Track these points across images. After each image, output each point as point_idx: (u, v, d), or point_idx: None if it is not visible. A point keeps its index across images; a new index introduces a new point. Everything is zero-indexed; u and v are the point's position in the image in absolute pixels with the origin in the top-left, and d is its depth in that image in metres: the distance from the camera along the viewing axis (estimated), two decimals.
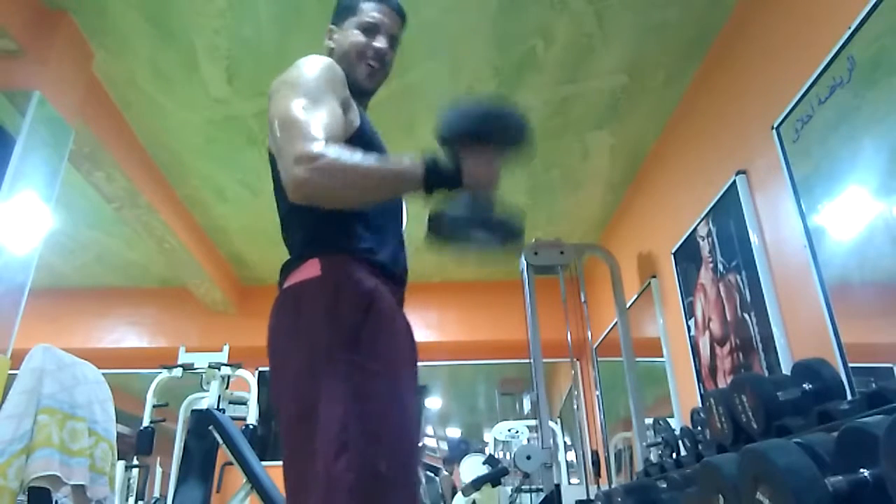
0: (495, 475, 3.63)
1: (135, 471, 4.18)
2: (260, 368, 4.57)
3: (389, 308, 1.09)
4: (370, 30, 1.24)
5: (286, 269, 1.12)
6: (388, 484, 0.93)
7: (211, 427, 2.59)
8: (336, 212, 1.08)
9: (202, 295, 4.83)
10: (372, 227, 1.14)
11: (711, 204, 2.72)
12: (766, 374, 2.27)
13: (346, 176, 0.96)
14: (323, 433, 0.93)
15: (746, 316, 2.45)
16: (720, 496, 1.42)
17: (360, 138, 1.13)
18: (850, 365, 1.81)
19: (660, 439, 2.56)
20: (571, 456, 5.70)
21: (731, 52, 2.64)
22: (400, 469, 0.96)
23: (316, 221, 1.10)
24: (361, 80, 1.23)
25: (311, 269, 1.07)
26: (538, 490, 4.09)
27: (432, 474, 4.60)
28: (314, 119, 1.00)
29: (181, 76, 2.95)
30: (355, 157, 0.97)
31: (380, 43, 1.24)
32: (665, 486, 2.24)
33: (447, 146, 1.07)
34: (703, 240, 2.85)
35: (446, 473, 4.70)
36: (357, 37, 1.23)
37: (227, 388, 4.02)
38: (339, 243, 1.09)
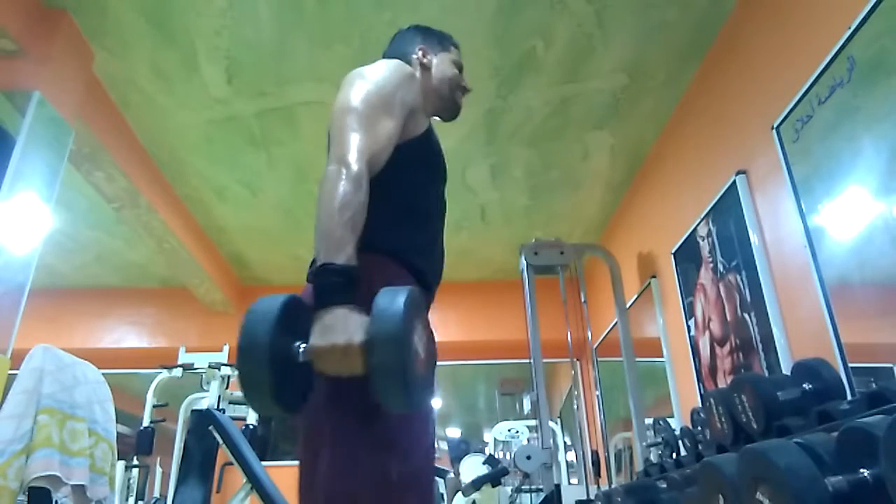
0: (495, 475, 3.63)
1: (135, 471, 4.18)
2: None
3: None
4: (461, 70, 1.40)
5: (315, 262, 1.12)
6: (401, 493, 0.93)
7: (211, 427, 2.59)
8: (388, 208, 1.08)
9: (202, 295, 4.83)
10: (421, 231, 1.15)
11: (711, 204, 2.72)
12: (766, 374, 2.27)
13: (336, 201, 0.95)
14: (330, 440, 0.94)
15: (746, 316, 2.45)
16: (720, 496, 1.42)
17: (422, 145, 1.19)
18: (850, 365, 1.81)
19: (660, 439, 2.56)
20: (571, 456, 5.70)
21: (731, 52, 2.64)
22: (412, 478, 0.95)
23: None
24: (453, 104, 1.37)
25: None
26: (538, 490, 4.09)
27: (437, 476, 4.60)
28: (366, 131, 1.04)
29: (181, 76, 2.95)
30: (357, 199, 0.97)
31: (467, 85, 1.40)
32: (665, 486, 2.24)
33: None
34: (703, 240, 2.85)
35: (452, 475, 4.69)
36: (454, 69, 1.38)
37: (227, 388, 4.02)
38: (383, 242, 1.08)
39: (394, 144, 1.09)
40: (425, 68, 1.34)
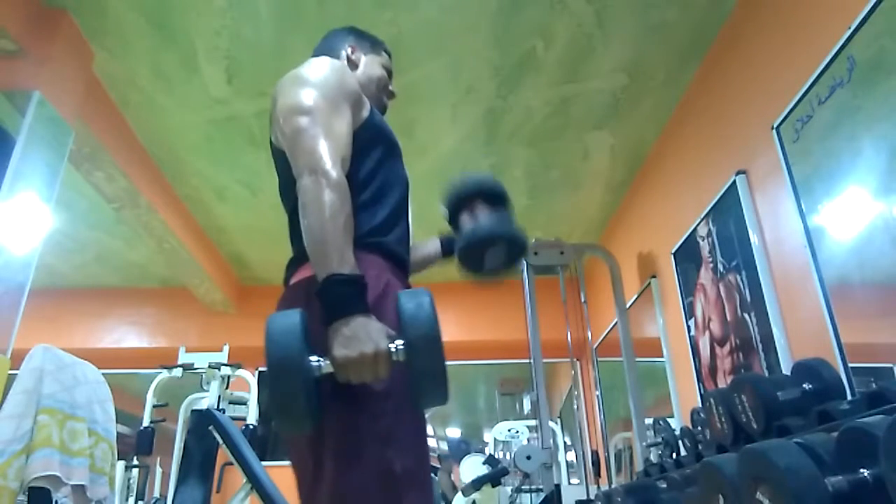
0: (495, 475, 3.63)
1: (135, 471, 4.18)
2: (260, 368, 4.57)
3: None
4: (389, 74, 1.42)
5: (292, 265, 1.12)
6: (405, 485, 0.92)
7: (211, 427, 2.59)
8: (356, 199, 1.07)
9: (202, 295, 4.83)
10: (384, 212, 1.14)
11: (711, 204, 2.72)
12: (766, 374, 2.27)
13: (326, 210, 0.95)
14: (330, 436, 0.94)
15: (746, 316, 2.45)
16: (720, 496, 1.42)
17: (371, 128, 1.19)
18: (850, 365, 1.81)
19: (660, 439, 2.56)
20: (571, 456, 5.70)
21: (731, 52, 2.64)
22: (415, 471, 0.95)
23: None
24: (380, 106, 1.36)
25: None
26: (538, 490, 4.09)
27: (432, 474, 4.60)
28: (327, 135, 1.04)
29: (181, 76, 2.95)
30: (345, 204, 0.97)
31: (394, 89, 1.43)
32: (665, 486, 2.24)
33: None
34: (703, 240, 2.85)
35: (443, 473, 4.69)
36: (382, 72, 1.39)
37: (227, 388, 4.02)
38: (360, 235, 1.07)
39: (350, 141, 1.10)
40: (353, 65, 1.36)
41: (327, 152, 1.01)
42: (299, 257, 1.11)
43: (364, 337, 0.86)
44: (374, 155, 1.18)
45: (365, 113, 1.19)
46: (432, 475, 4.12)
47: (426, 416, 1.13)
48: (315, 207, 0.95)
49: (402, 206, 1.22)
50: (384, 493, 0.91)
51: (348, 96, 1.15)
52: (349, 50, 1.38)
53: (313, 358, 0.87)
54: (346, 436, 0.93)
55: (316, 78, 1.14)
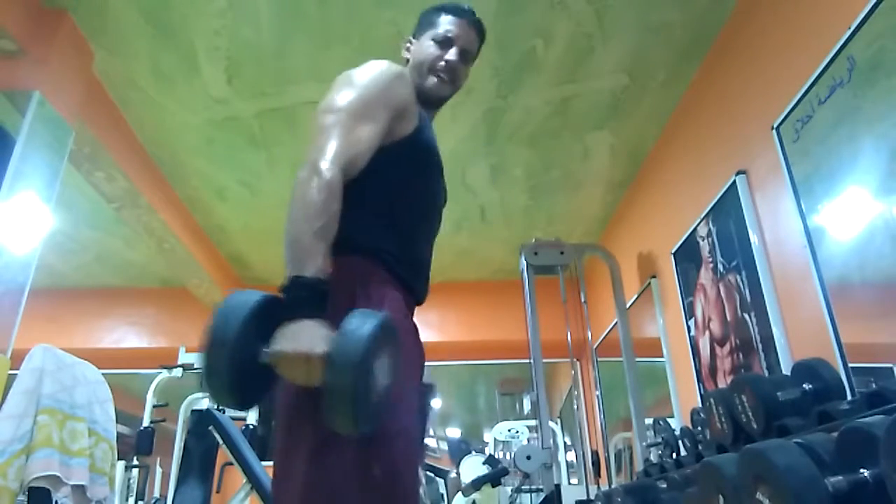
0: (495, 475, 3.63)
1: (135, 471, 4.18)
2: None
3: (397, 316, 1.07)
4: (444, 42, 1.27)
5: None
6: (383, 488, 0.92)
7: (211, 427, 2.59)
8: (362, 209, 1.08)
9: (202, 295, 4.83)
10: (398, 229, 1.13)
11: (711, 204, 2.72)
12: (766, 374, 2.27)
13: (313, 203, 0.96)
14: (310, 439, 0.94)
15: (746, 316, 2.45)
16: (720, 496, 1.42)
17: (409, 145, 1.16)
18: (850, 365, 1.81)
19: (660, 439, 2.56)
20: (571, 456, 5.70)
21: (731, 52, 2.64)
22: (394, 475, 0.95)
23: (341, 218, 1.07)
24: (429, 90, 1.26)
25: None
26: (538, 490, 4.09)
27: (434, 475, 4.60)
28: (344, 138, 1.03)
29: (181, 76, 2.95)
30: (330, 207, 0.96)
31: (452, 56, 1.26)
32: (665, 486, 2.24)
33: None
34: (703, 240, 2.85)
35: (454, 475, 4.69)
36: (430, 48, 1.27)
37: None
38: (359, 242, 1.08)
39: (374, 148, 1.08)
40: (406, 62, 1.31)
41: (332, 150, 1.01)
42: None
43: (303, 338, 0.87)
44: (405, 176, 1.16)
45: (408, 128, 1.16)
46: (441, 478, 4.12)
47: (420, 420, 1.12)
48: (299, 205, 0.96)
49: (419, 230, 1.20)
50: (361, 495, 0.90)
51: (390, 106, 1.13)
52: (407, 46, 1.33)
53: (265, 345, 0.89)
54: (321, 436, 0.92)
55: (360, 80, 1.13)
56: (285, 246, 0.95)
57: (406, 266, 1.14)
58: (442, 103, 1.33)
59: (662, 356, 3.34)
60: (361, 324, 0.86)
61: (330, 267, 0.95)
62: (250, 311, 0.88)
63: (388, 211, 1.13)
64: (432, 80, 1.26)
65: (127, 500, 4.08)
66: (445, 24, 1.28)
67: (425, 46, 1.28)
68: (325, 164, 0.99)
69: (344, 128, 1.05)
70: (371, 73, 1.14)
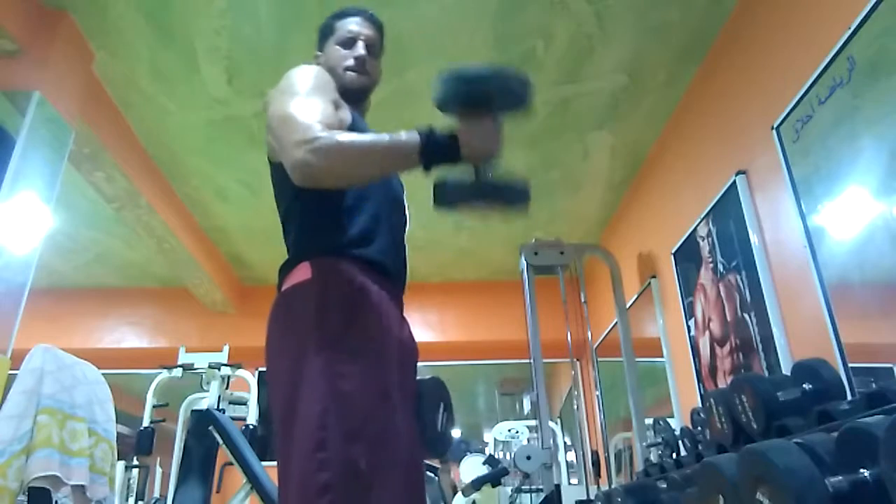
0: (495, 475, 3.63)
1: (135, 471, 4.18)
2: (260, 369, 4.57)
3: (377, 307, 1.10)
4: (348, 42, 1.33)
5: (282, 272, 1.15)
6: (369, 483, 0.93)
7: (211, 427, 2.59)
8: (326, 210, 1.12)
9: (202, 295, 4.83)
10: (363, 219, 1.16)
11: (711, 204, 2.72)
12: (766, 374, 2.27)
13: (345, 153, 1.00)
14: (300, 432, 0.95)
15: (746, 316, 2.45)
16: (720, 496, 1.42)
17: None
18: (850, 365, 1.81)
19: (660, 439, 2.56)
20: (571, 456, 5.70)
21: (731, 52, 2.64)
22: (383, 469, 0.95)
23: (308, 222, 1.14)
24: (349, 85, 1.30)
25: (302, 272, 1.09)
26: (538, 490, 4.09)
27: (430, 474, 4.60)
28: (308, 109, 1.05)
29: (181, 76, 2.95)
30: (351, 136, 1.02)
31: (359, 50, 1.32)
32: (665, 486, 2.24)
33: (446, 114, 1.07)
34: (703, 240, 2.85)
35: (443, 470, 4.69)
36: (338, 51, 1.33)
37: (227, 388, 4.01)
38: (329, 243, 1.12)
39: (334, 114, 1.11)
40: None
41: (305, 120, 1.02)
42: (293, 260, 1.12)
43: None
44: None
45: (347, 118, 1.20)
46: (430, 474, 4.12)
47: (416, 416, 1.13)
48: (339, 162, 1.00)
49: (383, 214, 1.21)
50: (346, 488, 0.91)
51: (333, 88, 1.19)
52: (317, 60, 1.38)
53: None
54: (312, 429, 0.94)
55: (301, 77, 1.16)
56: (380, 168, 1.05)
57: (379, 256, 1.15)
58: (364, 96, 1.37)
59: (662, 356, 3.34)
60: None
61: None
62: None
63: (352, 205, 1.16)
64: (349, 75, 1.31)
65: (127, 500, 4.08)
66: (345, 26, 1.34)
67: (333, 51, 1.33)
68: (311, 133, 1.00)
69: (306, 103, 1.08)
70: (306, 70, 1.19)
